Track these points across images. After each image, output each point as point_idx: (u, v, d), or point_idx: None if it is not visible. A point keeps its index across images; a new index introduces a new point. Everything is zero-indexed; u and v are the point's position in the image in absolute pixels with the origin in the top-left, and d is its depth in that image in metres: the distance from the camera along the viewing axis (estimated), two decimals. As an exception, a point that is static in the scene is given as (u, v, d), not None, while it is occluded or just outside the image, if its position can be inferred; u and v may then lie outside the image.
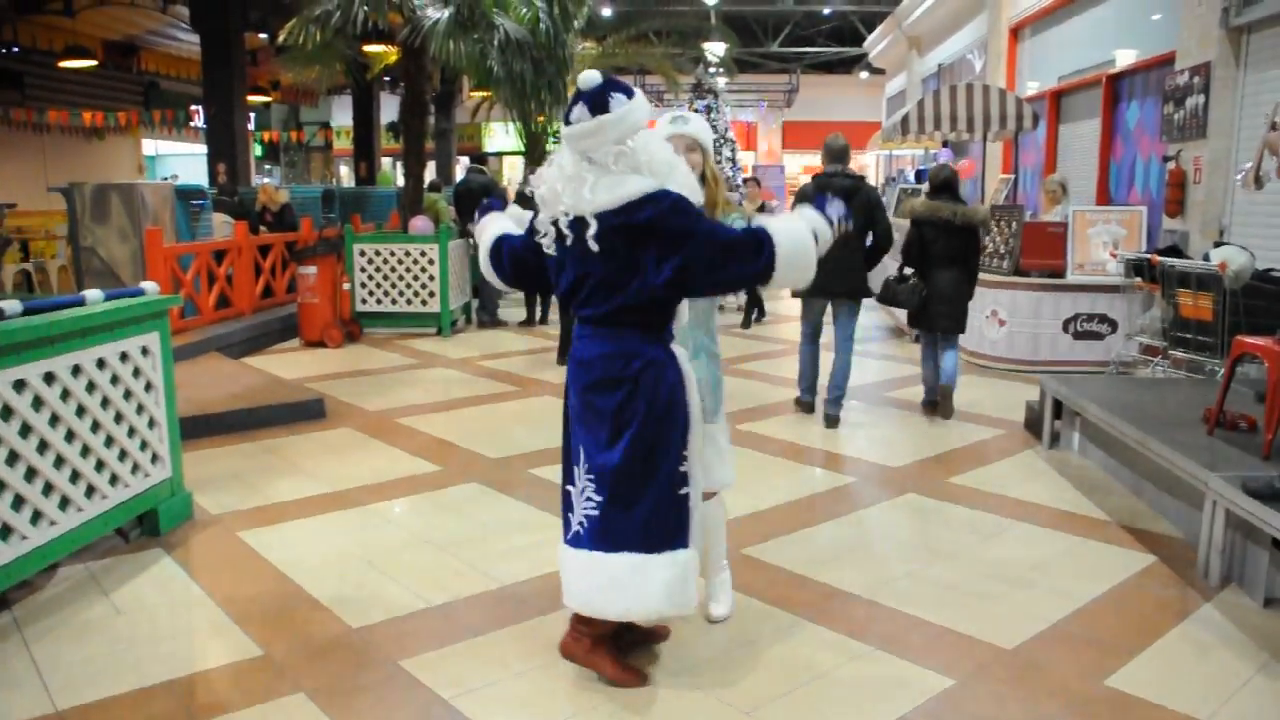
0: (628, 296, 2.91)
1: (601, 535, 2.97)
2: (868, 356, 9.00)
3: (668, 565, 2.96)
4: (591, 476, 2.99)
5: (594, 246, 2.87)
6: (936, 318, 6.49)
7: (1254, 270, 5.52)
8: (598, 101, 2.87)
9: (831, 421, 6.40)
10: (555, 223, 2.96)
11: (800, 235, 2.91)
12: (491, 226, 3.40)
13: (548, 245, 3.01)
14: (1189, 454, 4.20)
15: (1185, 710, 2.95)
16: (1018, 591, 3.81)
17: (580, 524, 3.03)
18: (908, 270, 6.63)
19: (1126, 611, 3.64)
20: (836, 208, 3.00)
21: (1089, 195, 10.30)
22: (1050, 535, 4.43)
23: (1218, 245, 6.30)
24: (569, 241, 2.95)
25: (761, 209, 9.96)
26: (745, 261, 2.87)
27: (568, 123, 2.92)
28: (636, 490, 2.95)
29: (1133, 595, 3.78)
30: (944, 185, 6.57)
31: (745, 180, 11.32)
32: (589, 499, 3.00)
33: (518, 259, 3.26)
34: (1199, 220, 7.53)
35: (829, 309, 6.39)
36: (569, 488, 3.09)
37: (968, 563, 4.11)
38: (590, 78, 2.91)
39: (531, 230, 3.16)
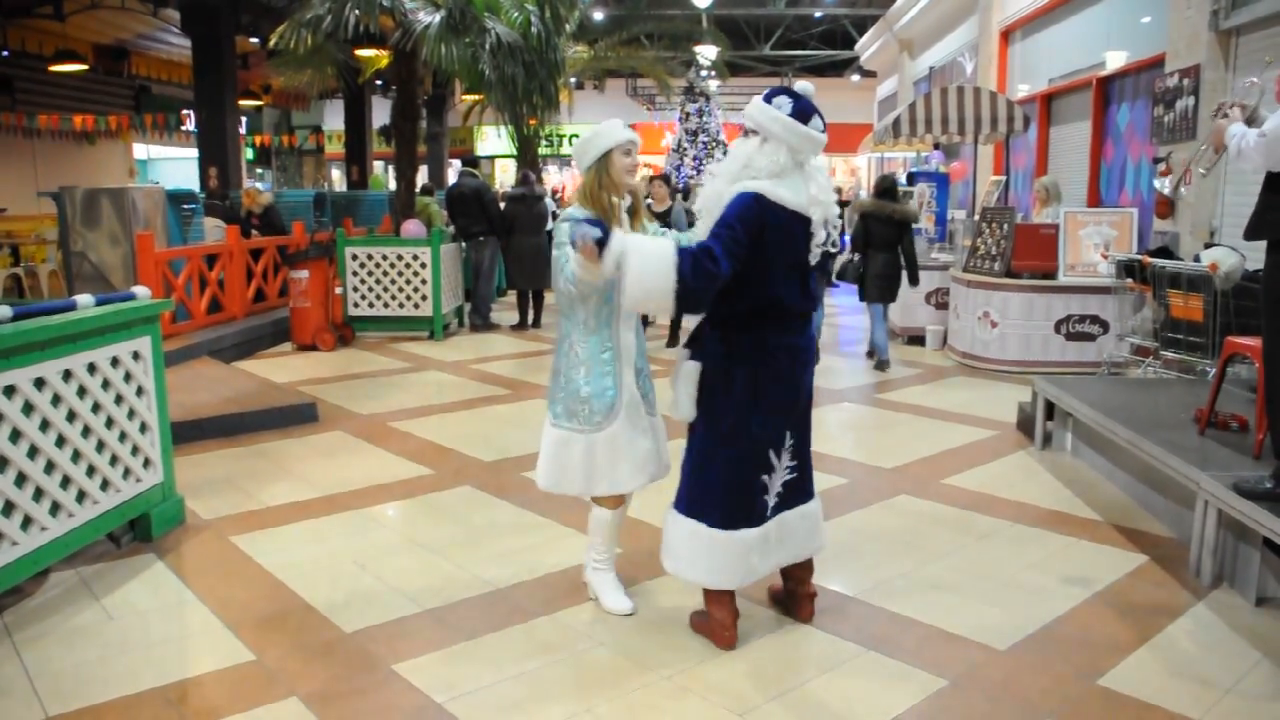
0: None
1: (805, 490, 3.46)
2: (858, 358, 9.01)
3: None
4: (791, 445, 3.36)
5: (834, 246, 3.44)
6: (872, 290, 8.31)
7: (1244, 271, 5.54)
8: None
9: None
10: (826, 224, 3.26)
11: None
12: (649, 240, 3.10)
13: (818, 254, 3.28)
14: (1180, 454, 4.22)
15: (1178, 710, 2.95)
16: (1010, 592, 3.82)
17: (779, 494, 3.35)
18: (855, 255, 8.43)
19: (1119, 611, 3.65)
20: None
21: (1080, 197, 10.33)
22: (1042, 535, 4.44)
23: (1208, 246, 6.33)
24: (823, 240, 3.27)
25: (668, 214, 9.04)
26: None
27: (823, 130, 3.20)
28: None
29: (1125, 595, 3.79)
30: (888, 190, 8.39)
31: (652, 179, 9.65)
32: (788, 467, 3.36)
33: (732, 263, 3.05)
34: (1189, 222, 7.55)
35: None
36: (766, 477, 3.31)
37: (960, 564, 4.11)
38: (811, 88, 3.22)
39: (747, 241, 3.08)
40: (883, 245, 8.25)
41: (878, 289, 8.30)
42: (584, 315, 3.42)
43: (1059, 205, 9.04)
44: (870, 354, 8.67)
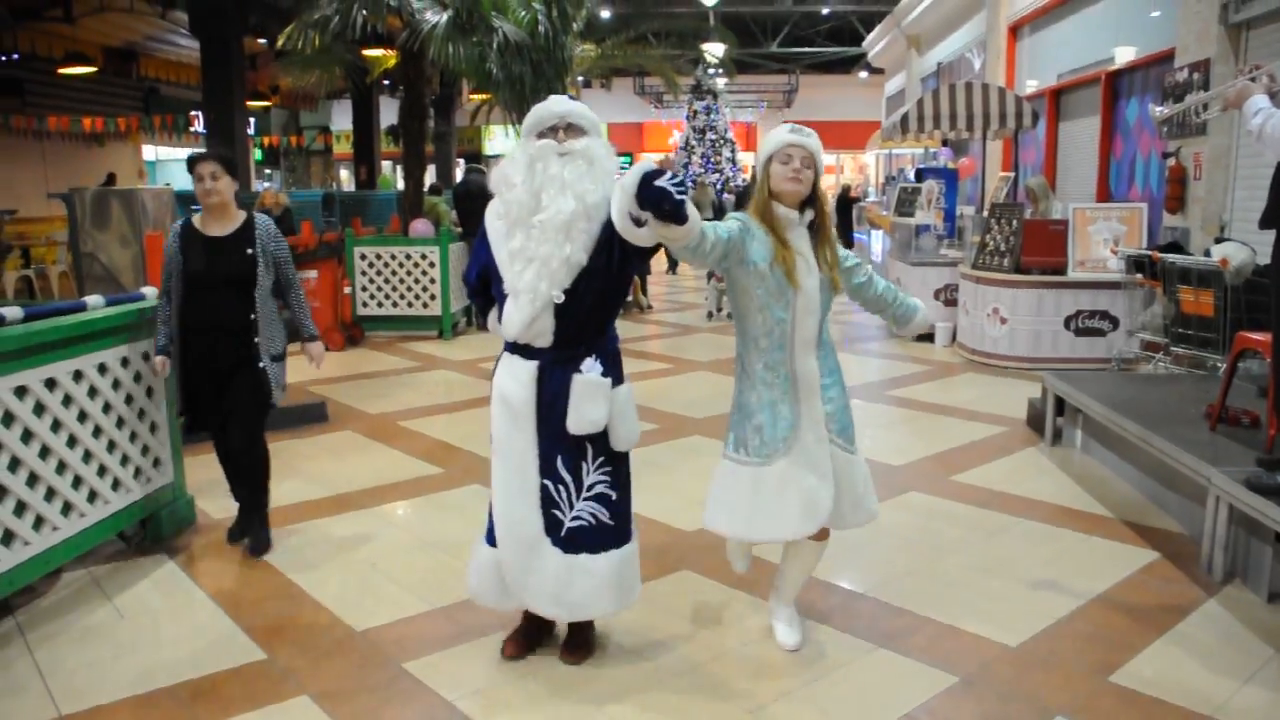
0: None
1: None
2: (868, 355, 9.00)
3: None
4: None
5: None
6: None
7: (1255, 266, 5.50)
8: None
9: None
10: None
11: None
12: None
13: None
14: (1192, 450, 4.20)
15: (1190, 706, 2.94)
16: (1021, 589, 3.81)
17: None
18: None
19: (1130, 608, 3.64)
20: None
21: (1089, 193, 10.29)
22: (1053, 532, 4.43)
23: (1219, 241, 6.29)
24: None
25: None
26: None
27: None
28: None
29: (1136, 591, 3.78)
30: None
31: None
32: None
33: None
34: (1199, 216, 7.52)
35: None
36: None
37: (971, 560, 4.10)
38: None
39: None
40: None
41: None
42: (755, 333, 3.10)
43: (1049, 203, 9.03)
44: None
